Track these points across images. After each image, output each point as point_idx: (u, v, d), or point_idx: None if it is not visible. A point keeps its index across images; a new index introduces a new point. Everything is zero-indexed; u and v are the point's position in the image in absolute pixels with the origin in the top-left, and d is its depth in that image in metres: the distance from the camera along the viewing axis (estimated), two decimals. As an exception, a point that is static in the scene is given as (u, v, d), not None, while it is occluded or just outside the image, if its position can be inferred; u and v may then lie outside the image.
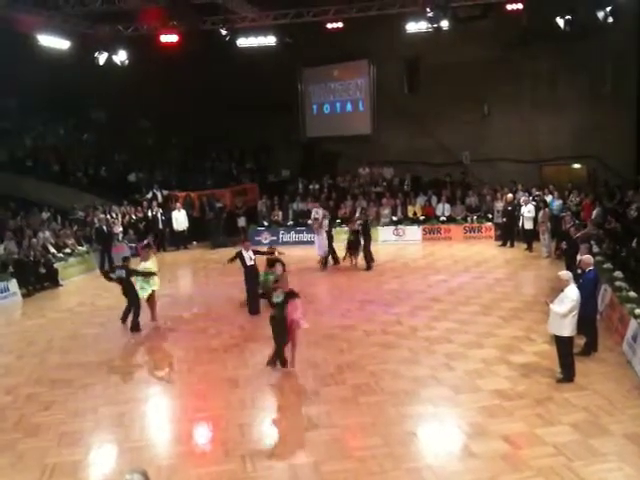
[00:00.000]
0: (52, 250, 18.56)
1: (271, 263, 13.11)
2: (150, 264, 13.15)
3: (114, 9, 19.36)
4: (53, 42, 19.52)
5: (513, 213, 19.89)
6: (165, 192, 24.19)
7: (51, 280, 17.66)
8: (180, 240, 22.67)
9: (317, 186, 24.98)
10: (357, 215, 19.46)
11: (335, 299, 14.80)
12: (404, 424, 8.10)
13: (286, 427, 8.31)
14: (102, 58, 20.05)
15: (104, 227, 20.05)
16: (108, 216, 21.31)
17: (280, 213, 23.40)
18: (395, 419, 8.24)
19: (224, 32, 20.31)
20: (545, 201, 20.18)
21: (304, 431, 8.16)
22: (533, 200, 19.88)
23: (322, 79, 27.05)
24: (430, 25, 18.95)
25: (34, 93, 24.40)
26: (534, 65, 22.87)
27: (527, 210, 19.21)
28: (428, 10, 18.12)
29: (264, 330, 12.31)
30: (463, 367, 9.93)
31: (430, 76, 24.03)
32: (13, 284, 16.42)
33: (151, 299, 13.22)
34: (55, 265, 18.02)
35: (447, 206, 22.36)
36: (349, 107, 26.96)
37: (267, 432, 8.23)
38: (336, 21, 20.17)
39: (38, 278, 17.36)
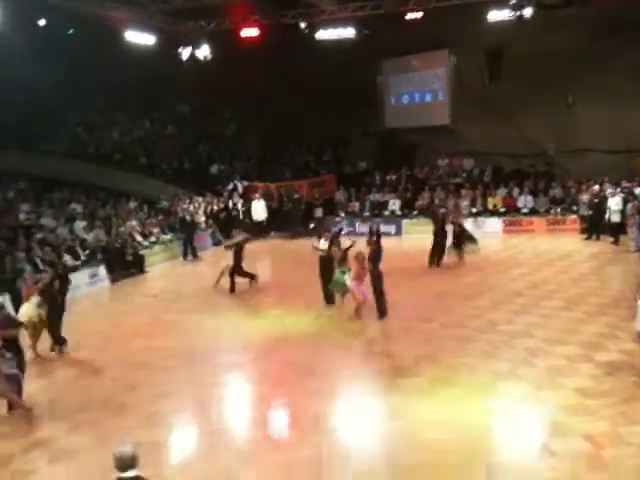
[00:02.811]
0: (138, 238, 19.33)
1: (344, 257, 13.03)
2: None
3: (197, 5, 19.88)
4: (139, 38, 20.23)
5: (600, 206, 19.09)
6: (245, 183, 24.69)
7: (137, 267, 18.39)
8: (259, 230, 23.08)
9: (394, 177, 24.85)
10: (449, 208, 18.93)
11: (412, 291, 14.63)
12: (482, 419, 7.97)
13: (362, 417, 8.33)
14: (185, 53, 20.63)
15: (187, 217, 20.70)
16: (191, 206, 21.99)
17: (357, 204, 23.43)
18: (473, 414, 8.10)
19: (303, 25, 20.47)
20: (634, 193, 19.27)
21: (380, 422, 8.17)
22: (621, 192, 19.03)
23: (401, 70, 26.77)
24: (513, 13, 18.41)
25: (121, 88, 25.39)
26: (621, 54, 21.75)
27: (614, 202, 18.42)
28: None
29: (338, 319, 12.49)
30: (544, 363, 9.64)
31: (512, 66, 23.32)
32: (102, 270, 17.23)
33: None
34: (141, 252, 18.76)
35: (529, 198, 21.73)
36: (428, 97, 26.57)
37: (343, 421, 8.30)
38: (416, 11, 19.91)
39: (125, 265, 18.12)
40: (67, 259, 16.43)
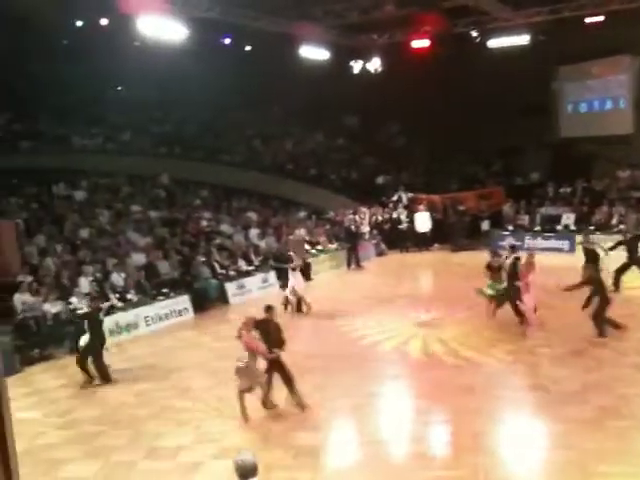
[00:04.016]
0: (306, 247, 20.13)
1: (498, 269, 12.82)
2: None
3: (370, 18, 20.32)
4: (314, 53, 21.12)
5: None
6: (410, 194, 24.74)
7: (304, 274, 19.13)
8: (422, 241, 22.99)
9: (569, 189, 23.51)
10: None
11: (585, 313, 13.76)
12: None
13: (521, 442, 8.04)
14: (357, 66, 21.16)
15: (352, 227, 21.20)
16: (356, 217, 22.48)
17: (526, 217, 22.48)
18: (645, 449, 7.52)
19: (475, 34, 20.12)
20: None
21: (542, 449, 7.84)
22: None
23: (579, 77, 25.31)
24: None
25: (295, 101, 26.62)
26: None
27: None
28: None
29: (502, 336, 12.11)
30: None
31: None
32: (272, 276, 18.17)
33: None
34: (308, 260, 19.51)
35: None
36: (608, 105, 24.86)
37: (503, 444, 8.07)
38: (596, 15, 18.76)
39: (292, 272, 18.95)
40: (242, 264, 17.62)
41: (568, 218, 21.86)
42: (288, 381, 9.09)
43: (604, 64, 24.23)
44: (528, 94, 23.97)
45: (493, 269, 13.18)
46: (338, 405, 9.45)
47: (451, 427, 8.57)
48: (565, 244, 20.93)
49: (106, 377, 10.95)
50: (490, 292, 13.11)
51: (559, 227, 21.80)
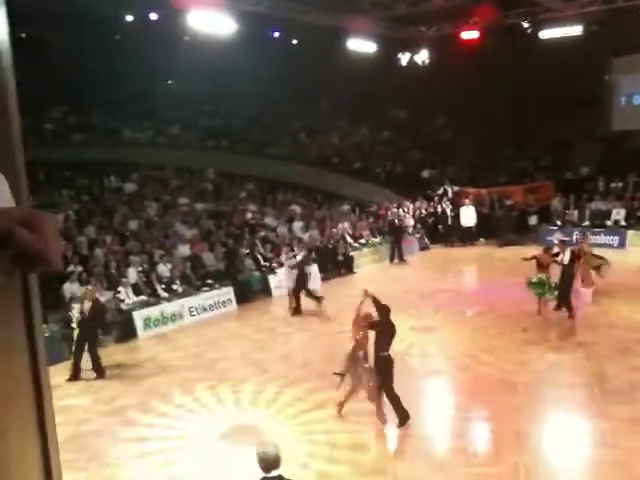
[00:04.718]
0: (349, 240, 20.16)
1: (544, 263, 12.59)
2: None
3: (418, 10, 20.15)
4: (361, 46, 21.05)
5: None
6: (455, 188, 24.47)
7: (347, 267, 19.20)
8: (467, 236, 22.71)
9: (620, 184, 22.88)
10: None
11: (631, 310, 13.42)
12: None
13: (564, 440, 7.93)
14: (405, 59, 21.03)
15: (396, 220, 21.11)
16: (400, 210, 22.36)
17: (575, 212, 21.99)
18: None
19: (526, 25, 19.74)
20: None
21: (585, 447, 7.73)
22: None
23: (634, 68, 24.57)
24: None
25: (342, 94, 26.60)
26: None
27: None
28: None
29: (548, 334, 11.95)
30: None
31: None
32: (314, 268, 18.20)
33: None
34: (351, 254, 19.55)
35: None
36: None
37: (545, 442, 7.97)
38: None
39: (336, 265, 19.01)
40: (283, 257, 17.71)
41: (618, 213, 21.32)
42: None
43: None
44: (580, 87, 23.38)
45: (543, 264, 12.92)
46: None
47: (493, 424, 8.49)
48: (615, 240, 20.46)
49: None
50: (538, 286, 12.79)
51: (609, 222, 21.28)
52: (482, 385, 9.83)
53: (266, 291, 16.76)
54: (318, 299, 14.92)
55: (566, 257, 12.45)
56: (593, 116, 24.89)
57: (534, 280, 12.79)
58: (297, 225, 20.30)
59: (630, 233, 20.53)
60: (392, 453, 7.93)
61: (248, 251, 17.36)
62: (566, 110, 23.71)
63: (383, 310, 8.36)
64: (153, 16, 19.74)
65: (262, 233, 18.99)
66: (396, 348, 11.65)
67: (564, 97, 23.26)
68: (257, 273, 16.90)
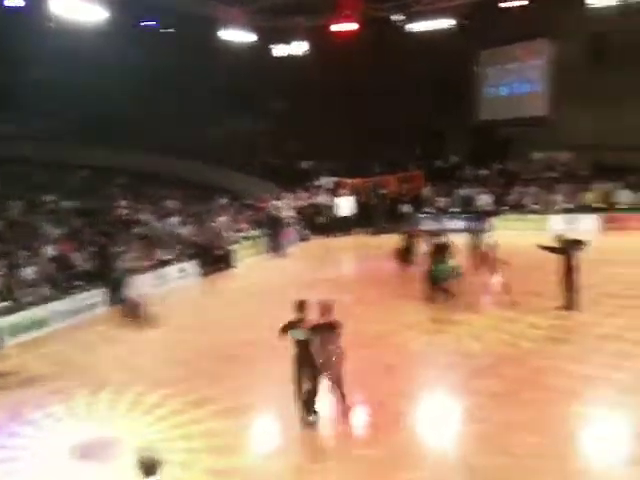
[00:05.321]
0: (228, 234, 19.84)
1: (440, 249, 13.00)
2: None
3: (294, 1, 20.08)
4: (238, 36, 20.67)
5: None
6: (334, 179, 24.80)
7: (227, 262, 18.88)
8: (345, 225, 23.10)
9: (486, 172, 24.18)
10: None
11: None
12: (567, 424, 7.66)
13: (439, 418, 8.22)
14: (280, 49, 20.93)
15: (274, 213, 21.06)
16: (279, 202, 22.33)
17: (445, 199, 22.97)
18: (558, 418, 7.79)
19: (397, 18, 20.25)
20: None
21: (457, 423, 8.04)
22: None
23: (499, 60, 25.93)
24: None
25: (218, 85, 26.02)
26: None
27: None
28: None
29: (421, 317, 12.35)
30: (636, 367, 9.13)
31: (616, 54, 21.99)
32: (192, 265, 17.78)
33: None
34: (230, 247, 19.25)
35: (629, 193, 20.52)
36: (526, 88, 25.52)
37: (420, 422, 8.22)
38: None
39: (215, 259, 18.62)
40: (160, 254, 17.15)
41: (482, 199, 22.46)
42: None
43: (523, 48, 24.87)
44: (450, 78, 24.32)
45: (438, 249, 13.33)
46: (260, 392, 9.35)
47: (375, 408, 8.57)
48: (480, 224, 21.43)
49: None
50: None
51: (476, 208, 22.40)
52: (362, 371, 9.91)
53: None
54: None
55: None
56: (463, 107, 26.03)
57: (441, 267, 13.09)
58: (173, 220, 19.71)
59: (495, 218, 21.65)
60: (273, 449, 7.80)
61: (121, 249, 16.58)
62: (438, 101, 24.61)
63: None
64: (12, 1, 18.29)
65: (136, 229, 18.26)
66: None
67: (435, 89, 24.06)
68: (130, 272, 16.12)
